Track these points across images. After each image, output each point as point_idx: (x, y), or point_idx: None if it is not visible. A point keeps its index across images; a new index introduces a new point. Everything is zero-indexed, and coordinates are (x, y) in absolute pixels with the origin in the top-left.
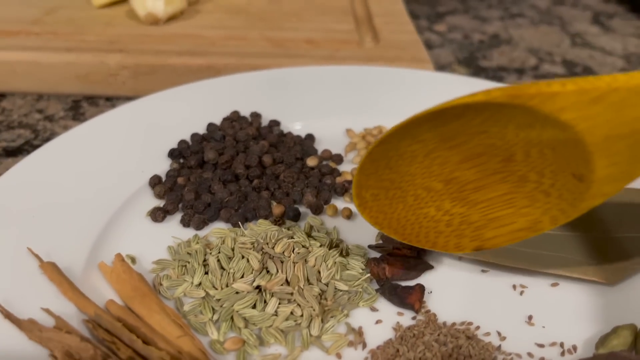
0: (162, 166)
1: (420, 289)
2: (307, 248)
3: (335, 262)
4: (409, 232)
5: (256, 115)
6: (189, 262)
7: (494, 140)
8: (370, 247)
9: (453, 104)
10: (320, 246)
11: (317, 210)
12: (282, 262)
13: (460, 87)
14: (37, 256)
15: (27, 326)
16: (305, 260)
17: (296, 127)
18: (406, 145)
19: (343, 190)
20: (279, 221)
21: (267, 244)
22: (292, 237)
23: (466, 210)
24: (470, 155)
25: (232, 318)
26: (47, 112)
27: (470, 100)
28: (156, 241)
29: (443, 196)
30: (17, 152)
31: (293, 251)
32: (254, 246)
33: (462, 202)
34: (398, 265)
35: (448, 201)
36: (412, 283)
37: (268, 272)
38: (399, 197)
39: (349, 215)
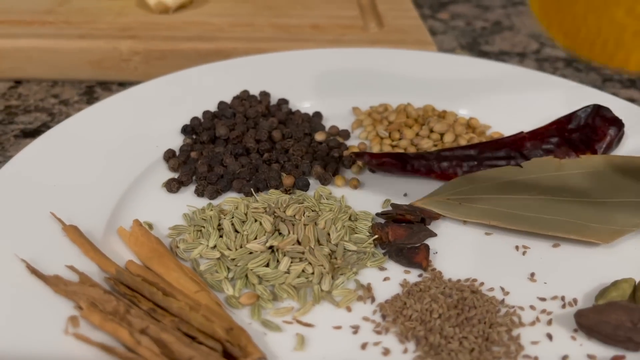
0: (176, 142)
1: (426, 248)
2: (317, 212)
3: (344, 226)
4: (582, 37)
5: (265, 94)
6: (204, 227)
7: None
8: (377, 214)
9: None
10: (330, 211)
11: (325, 181)
12: (293, 224)
13: (463, 67)
14: (59, 220)
15: (53, 281)
16: (315, 223)
17: (304, 106)
18: None
19: (351, 162)
20: (289, 191)
21: (279, 208)
22: (302, 203)
23: None
24: None
25: (246, 276)
26: (62, 97)
27: None
28: (171, 210)
29: None
30: (35, 133)
31: (304, 215)
32: (266, 210)
33: None
34: (401, 231)
35: None
36: None
37: (280, 233)
38: None
39: (356, 185)
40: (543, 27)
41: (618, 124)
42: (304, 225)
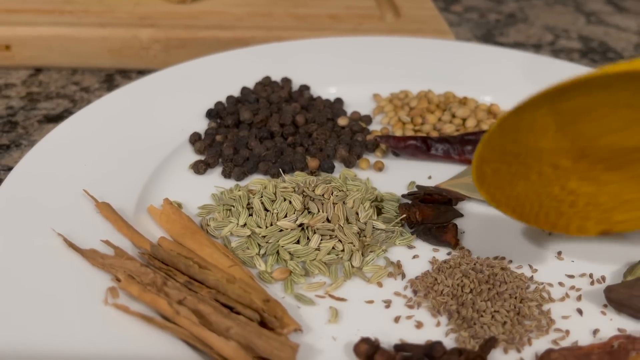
0: (200, 126)
1: (454, 227)
2: (345, 192)
3: (371, 205)
4: (527, 211)
5: (287, 80)
6: (233, 206)
7: None
8: (403, 196)
9: (606, 72)
10: (357, 191)
11: (350, 164)
12: (322, 203)
13: (482, 55)
14: (92, 197)
15: (90, 254)
16: (344, 202)
17: (324, 93)
18: (541, 116)
19: (374, 146)
20: (314, 173)
21: (308, 187)
22: (329, 183)
23: (595, 191)
24: (608, 130)
25: (277, 252)
26: (83, 84)
27: (628, 68)
28: (199, 191)
29: (570, 174)
30: (57, 118)
31: (332, 194)
32: (295, 190)
33: (591, 182)
34: (428, 210)
35: (575, 180)
36: None
37: (309, 212)
38: (521, 174)
39: (381, 167)
40: (493, 206)
41: None
42: (333, 204)
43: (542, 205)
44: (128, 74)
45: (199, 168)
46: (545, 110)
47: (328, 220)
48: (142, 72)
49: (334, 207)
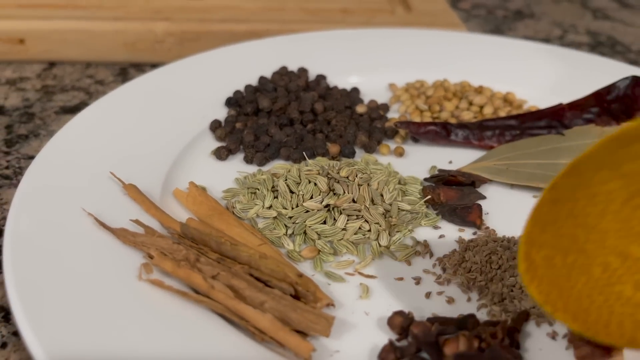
0: (220, 114)
1: (478, 207)
2: (369, 174)
3: (395, 187)
4: (594, 319)
5: (303, 70)
6: (258, 189)
7: None
8: (426, 179)
9: None
10: (381, 174)
11: (370, 149)
12: (347, 185)
13: (494, 46)
14: (119, 179)
15: (121, 233)
16: (368, 184)
17: (339, 83)
18: (601, 181)
19: (393, 133)
20: (335, 159)
21: (332, 170)
22: (353, 166)
23: None
24: None
25: (305, 232)
26: (97, 77)
27: None
28: (222, 176)
29: None
30: (74, 109)
31: (357, 176)
32: (319, 173)
33: None
34: (452, 192)
35: None
36: None
37: (335, 193)
38: (581, 266)
39: (401, 153)
40: (547, 311)
41: None
42: (358, 185)
43: (612, 312)
44: (142, 68)
45: (221, 154)
46: (607, 171)
47: (354, 201)
48: (155, 66)
49: (359, 188)
